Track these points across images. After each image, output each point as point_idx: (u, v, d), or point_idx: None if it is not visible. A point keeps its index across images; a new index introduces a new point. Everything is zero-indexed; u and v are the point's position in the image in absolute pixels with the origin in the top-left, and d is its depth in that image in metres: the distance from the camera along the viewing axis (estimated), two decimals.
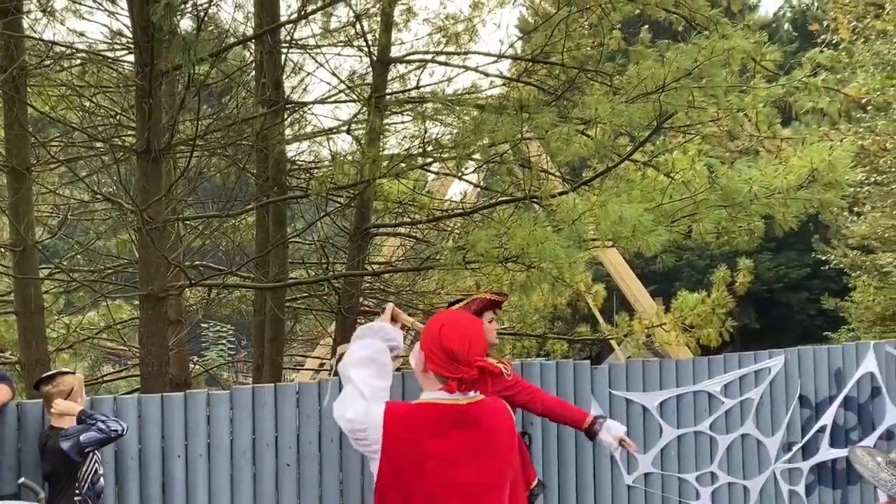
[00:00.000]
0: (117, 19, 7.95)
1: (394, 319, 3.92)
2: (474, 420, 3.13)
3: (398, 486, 3.08)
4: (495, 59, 8.22)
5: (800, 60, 8.45)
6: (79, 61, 8.12)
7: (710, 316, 9.29)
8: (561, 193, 6.64)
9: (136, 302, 7.67)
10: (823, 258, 18.39)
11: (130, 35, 6.97)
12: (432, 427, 3.10)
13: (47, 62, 7.23)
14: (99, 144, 8.21)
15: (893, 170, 13.11)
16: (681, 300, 9.52)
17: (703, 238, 6.55)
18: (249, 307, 9.65)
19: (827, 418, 5.89)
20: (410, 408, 3.19)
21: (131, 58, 7.51)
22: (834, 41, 12.39)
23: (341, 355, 3.60)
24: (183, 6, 6.08)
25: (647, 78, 6.20)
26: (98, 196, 7.97)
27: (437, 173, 9.06)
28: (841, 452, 5.91)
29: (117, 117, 8.54)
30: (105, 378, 10.38)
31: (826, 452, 5.88)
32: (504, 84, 8.65)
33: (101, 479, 4.30)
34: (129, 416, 4.55)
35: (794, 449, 5.85)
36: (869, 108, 13.85)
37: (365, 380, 3.32)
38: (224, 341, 14.78)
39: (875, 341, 6.24)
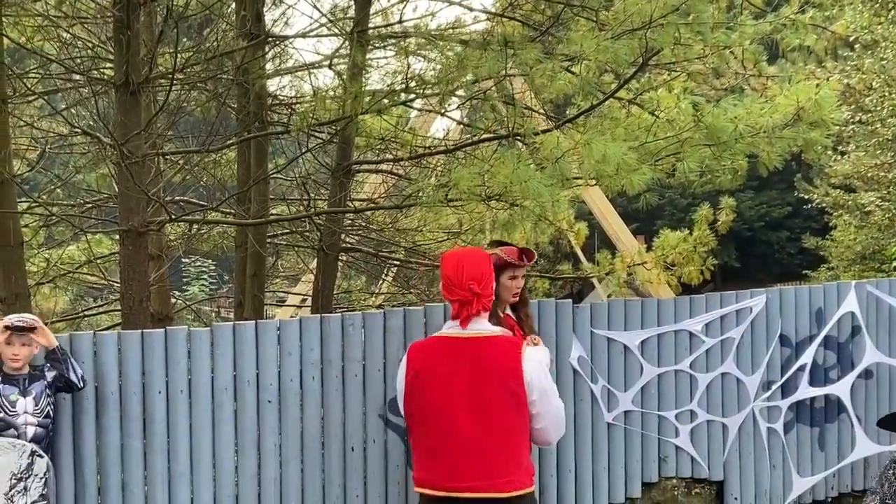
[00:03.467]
0: None
1: None
2: (472, 351, 3.60)
3: (413, 401, 3.70)
4: None
5: None
6: None
7: (692, 254, 9.30)
8: (545, 131, 6.58)
9: (117, 237, 7.61)
10: (805, 197, 18.44)
11: None
12: (438, 355, 3.66)
13: None
14: (77, 77, 8.07)
15: (878, 109, 13.07)
16: (662, 238, 9.51)
17: (687, 177, 6.51)
18: (231, 243, 9.61)
19: (807, 357, 5.92)
20: (426, 341, 3.83)
21: None
22: None
23: None
24: None
25: (633, 13, 6.10)
26: (76, 130, 7.86)
27: (420, 110, 8.96)
28: (819, 391, 5.97)
29: (95, 49, 8.38)
30: (86, 312, 10.35)
31: (805, 391, 5.92)
32: (488, 19, 8.53)
33: None
34: (109, 351, 4.53)
35: (774, 387, 5.90)
36: (856, 46, 13.77)
37: None
38: (206, 276, 14.76)
39: (856, 281, 6.27)
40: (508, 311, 4.67)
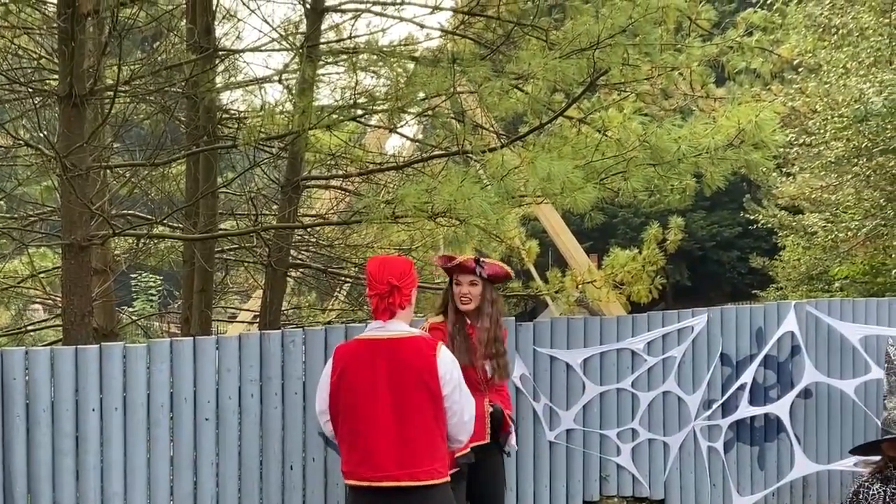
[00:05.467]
0: None
1: None
2: (392, 349, 3.81)
3: (339, 400, 3.84)
4: (431, 10, 8.09)
5: (735, 21, 8.48)
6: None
7: (641, 273, 9.34)
8: (493, 149, 6.60)
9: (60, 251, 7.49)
10: (753, 217, 18.67)
11: None
12: (360, 356, 3.83)
13: None
14: (21, 88, 7.95)
15: (822, 131, 13.27)
16: (612, 257, 9.55)
17: (634, 196, 6.56)
18: (179, 258, 9.49)
19: (747, 376, 5.98)
20: (350, 343, 3.98)
21: None
22: (768, 1, 12.45)
23: None
24: None
25: (582, 33, 6.15)
26: (20, 141, 7.74)
27: (371, 126, 8.95)
28: (759, 410, 6.02)
29: (40, 60, 8.27)
30: (27, 328, 10.17)
31: (745, 410, 5.98)
32: (440, 36, 8.55)
33: None
34: (42, 367, 4.45)
35: (714, 406, 5.95)
36: (800, 69, 13.98)
37: None
38: (153, 291, 14.57)
39: (796, 301, 6.35)
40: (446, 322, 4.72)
